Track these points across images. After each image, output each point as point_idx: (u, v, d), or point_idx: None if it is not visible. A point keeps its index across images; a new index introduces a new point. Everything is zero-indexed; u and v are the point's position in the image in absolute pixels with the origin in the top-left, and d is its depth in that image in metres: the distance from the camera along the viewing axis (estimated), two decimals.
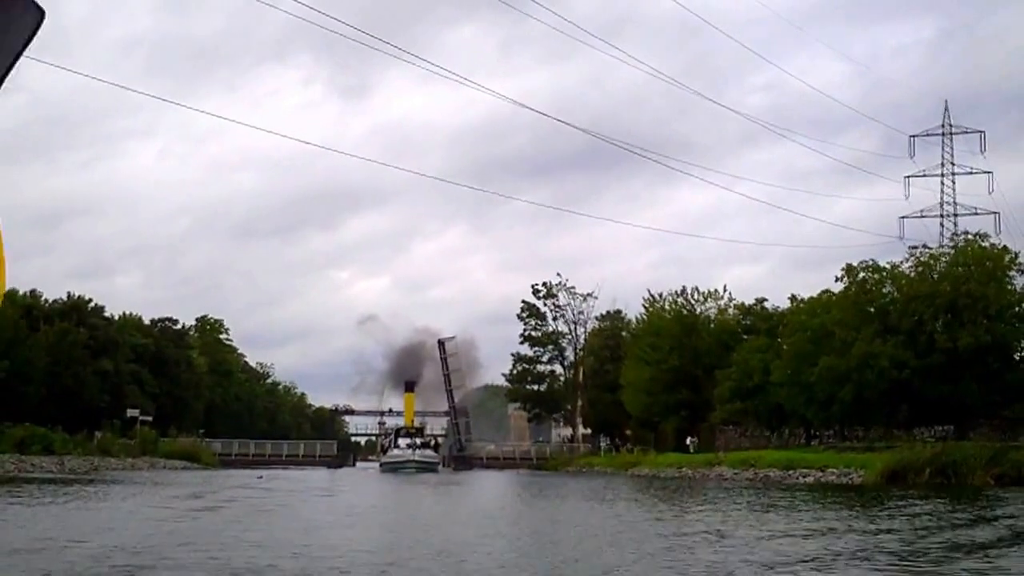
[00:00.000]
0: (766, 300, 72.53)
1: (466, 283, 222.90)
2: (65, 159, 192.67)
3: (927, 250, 56.94)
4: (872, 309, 56.09)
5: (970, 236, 57.82)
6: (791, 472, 48.76)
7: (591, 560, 13.94)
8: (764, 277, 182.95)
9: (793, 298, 65.37)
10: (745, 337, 70.41)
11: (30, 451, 58.18)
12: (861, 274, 57.19)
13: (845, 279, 57.49)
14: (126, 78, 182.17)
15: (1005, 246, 56.40)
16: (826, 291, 60.66)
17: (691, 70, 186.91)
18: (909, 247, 57.48)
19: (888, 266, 57.25)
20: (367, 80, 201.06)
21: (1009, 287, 55.65)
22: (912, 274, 56.18)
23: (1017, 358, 56.75)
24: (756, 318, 70.15)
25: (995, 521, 20.59)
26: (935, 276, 55.13)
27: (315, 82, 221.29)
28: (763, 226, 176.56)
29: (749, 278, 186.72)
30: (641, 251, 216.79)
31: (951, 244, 57.90)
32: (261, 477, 50.23)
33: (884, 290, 56.77)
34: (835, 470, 47.14)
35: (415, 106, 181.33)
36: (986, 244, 56.84)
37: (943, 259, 55.88)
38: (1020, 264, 56.35)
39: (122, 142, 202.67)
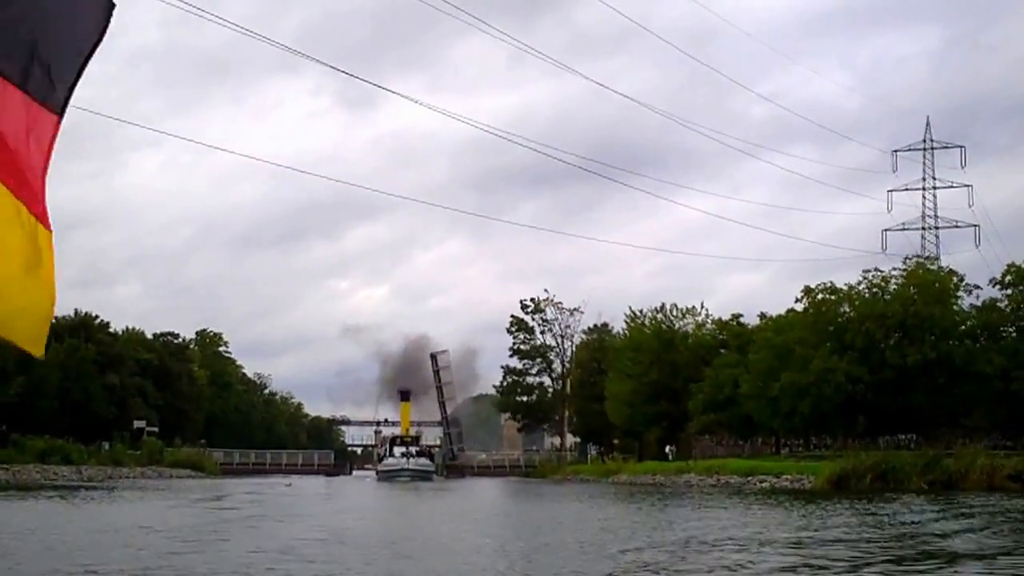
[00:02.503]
0: (741, 316, 79.44)
1: (467, 292, 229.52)
2: (70, 169, 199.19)
3: (879, 273, 63.80)
4: (830, 328, 62.89)
5: (920, 259, 64.58)
6: (750, 478, 55.53)
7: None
8: (763, 285, 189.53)
9: (762, 316, 72.37)
10: (723, 351, 77.21)
11: (50, 461, 65.18)
12: (820, 295, 64.07)
13: (805, 300, 64.40)
14: (134, 89, 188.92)
15: (952, 269, 63.36)
16: (791, 310, 67.57)
17: (696, 79, 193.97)
18: (863, 270, 64.34)
19: (845, 287, 64.12)
20: (373, 90, 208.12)
21: (956, 307, 62.60)
22: (867, 294, 63.06)
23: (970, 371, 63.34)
24: (730, 334, 77.00)
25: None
26: (887, 297, 62.03)
27: (322, 93, 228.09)
28: (762, 235, 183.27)
29: (748, 286, 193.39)
30: (642, 260, 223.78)
31: (903, 267, 64.65)
32: (290, 485, 58.02)
33: (841, 310, 63.61)
34: (789, 476, 53.95)
35: (420, 116, 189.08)
36: (934, 267, 63.76)
37: (893, 281, 62.71)
38: (968, 286, 63.41)
39: (127, 152, 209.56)
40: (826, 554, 15.79)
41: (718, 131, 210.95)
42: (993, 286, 62.38)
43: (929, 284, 61.44)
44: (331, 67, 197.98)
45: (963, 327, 62.52)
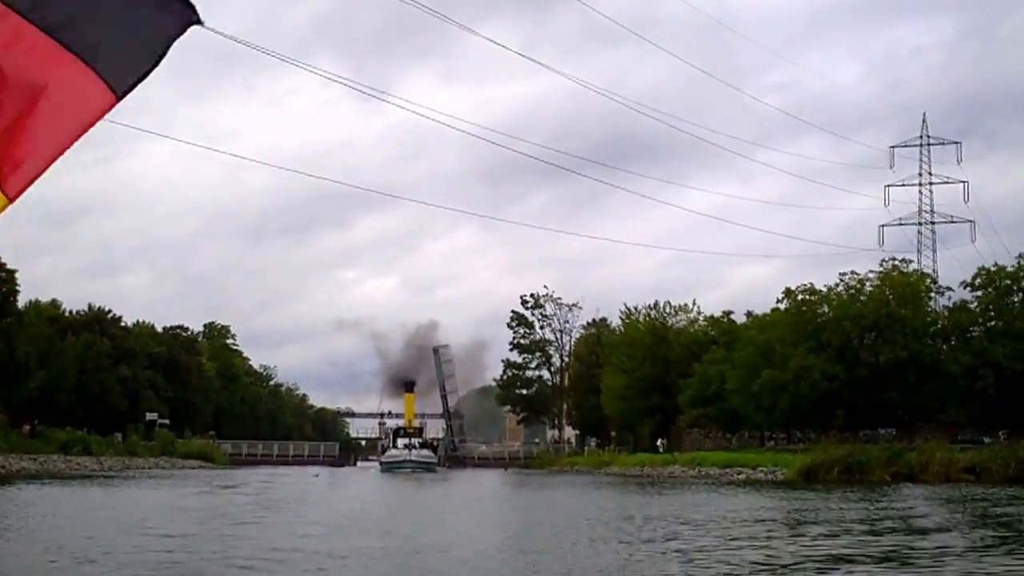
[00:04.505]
0: (732, 313, 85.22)
1: (477, 283, 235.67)
2: (78, 157, 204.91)
3: (856, 275, 69.49)
4: (809, 327, 68.57)
5: (897, 261, 70.28)
6: (728, 470, 61.36)
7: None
8: (773, 276, 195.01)
9: (749, 314, 78.18)
10: (715, 346, 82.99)
11: (72, 452, 71.43)
12: (800, 296, 69.83)
13: (786, 301, 70.15)
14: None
15: (924, 272, 68.97)
16: (775, 309, 73.33)
17: (708, 70, 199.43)
18: (840, 273, 70.06)
19: (824, 289, 69.90)
20: (386, 80, 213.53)
21: (929, 308, 68.29)
22: (845, 296, 68.76)
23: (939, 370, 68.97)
24: (720, 331, 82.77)
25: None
26: (863, 299, 67.73)
27: (334, 82, 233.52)
28: (772, 227, 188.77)
29: (757, 278, 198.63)
30: (651, 250, 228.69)
31: (880, 269, 70.36)
32: (317, 475, 64.30)
33: (820, 310, 69.34)
34: (764, 468, 59.73)
35: (433, 106, 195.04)
36: (908, 269, 69.40)
37: (868, 283, 68.40)
38: (941, 287, 69.14)
39: (136, 141, 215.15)
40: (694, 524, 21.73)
41: (727, 124, 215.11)
42: (964, 288, 68.06)
43: (902, 286, 67.11)
44: (324, 75, 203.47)
45: (934, 327, 68.21)
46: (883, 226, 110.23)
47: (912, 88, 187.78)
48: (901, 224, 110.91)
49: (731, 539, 18.75)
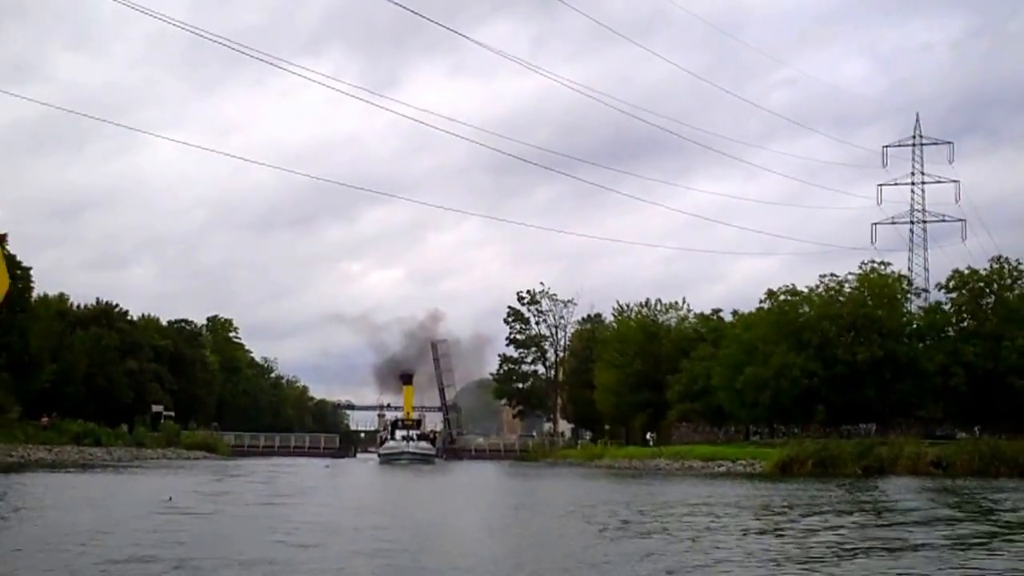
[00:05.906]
0: (721, 311, 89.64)
1: (481, 275, 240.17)
2: (89, 150, 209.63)
3: (835, 277, 73.73)
4: (790, 327, 72.77)
5: (876, 263, 74.48)
6: (710, 463, 65.52)
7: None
8: (774, 271, 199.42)
9: (735, 312, 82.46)
10: (703, 343, 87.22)
11: (84, 443, 75.61)
12: (782, 296, 74.02)
13: (768, 301, 74.36)
14: (159, 70, 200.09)
15: (900, 274, 73.19)
16: (759, 308, 77.56)
17: (717, 66, 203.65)
18: (820, 275, 74.31)
19: (805, 289, 74.08)
20: (396, 74, 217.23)
21: (905, 309, 72.46)
22: (825, 296, 72.94)
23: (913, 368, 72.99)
24: (708, 328, 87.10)
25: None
26: (841, 299, 71.92)
27: (342, 76, 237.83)
28: (776, 221, 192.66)
29: (759, 272, 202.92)
30: (654, 245, 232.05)
31: (859, 271, 74.48)
32: (328, 466, 68.04)
33: (801, 310, 73.53)
34: (744, 461, 63.91)
35: (442, 100, 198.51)
36: (887, 272, 73.63)
37: (847, 285, 72.60)
38: (917, 289, 73.30)
39: (143, 134, 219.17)
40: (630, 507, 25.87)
41: (734, 119, 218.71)
42: (939, 290, 72.25)
43: (879, 287, 71.28)
44: (316, 81, 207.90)
45: (910, 328, 72.41)
46: (875, 224, 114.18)
47: (920, 85, 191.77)
48: (893, 223, 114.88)
49: (663, 524, 22.91)
